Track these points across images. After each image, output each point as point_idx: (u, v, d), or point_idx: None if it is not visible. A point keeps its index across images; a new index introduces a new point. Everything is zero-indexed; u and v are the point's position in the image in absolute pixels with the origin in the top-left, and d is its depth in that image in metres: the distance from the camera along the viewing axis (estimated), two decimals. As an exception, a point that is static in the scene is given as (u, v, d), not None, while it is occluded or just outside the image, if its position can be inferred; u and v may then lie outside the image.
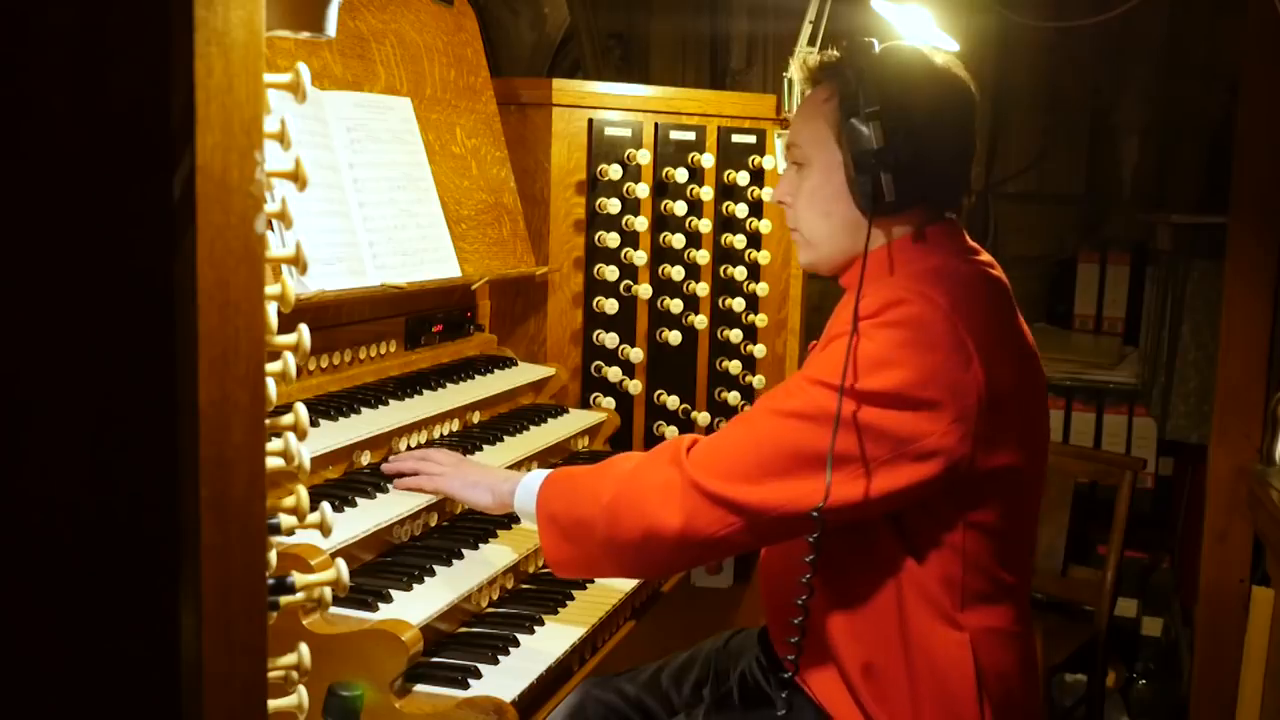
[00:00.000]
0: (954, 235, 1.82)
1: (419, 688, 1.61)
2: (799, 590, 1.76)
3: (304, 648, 0.98)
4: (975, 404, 1.62)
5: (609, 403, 2.68)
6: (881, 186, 1.71)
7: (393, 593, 1.70)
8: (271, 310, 0.92)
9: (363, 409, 2.00)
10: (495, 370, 2.45)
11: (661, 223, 2.74)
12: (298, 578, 1.01)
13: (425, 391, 2.18)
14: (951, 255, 1.77)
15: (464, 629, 1.81)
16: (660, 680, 2.13)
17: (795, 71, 1.88)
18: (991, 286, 1.78)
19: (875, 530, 1.70)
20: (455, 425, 2.23)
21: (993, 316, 1.72)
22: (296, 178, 0.95)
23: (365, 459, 1.97)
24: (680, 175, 2.72)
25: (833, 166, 1.78)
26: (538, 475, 1.86)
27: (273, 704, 0.96)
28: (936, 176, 1.78)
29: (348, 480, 1.90)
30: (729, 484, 1.65)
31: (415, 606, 1.67)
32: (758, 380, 2.87)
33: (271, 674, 0.96)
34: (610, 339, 2.67)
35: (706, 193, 2.77)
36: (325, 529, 1.06)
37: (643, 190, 2.68)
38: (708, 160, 2.77)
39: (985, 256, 1.84)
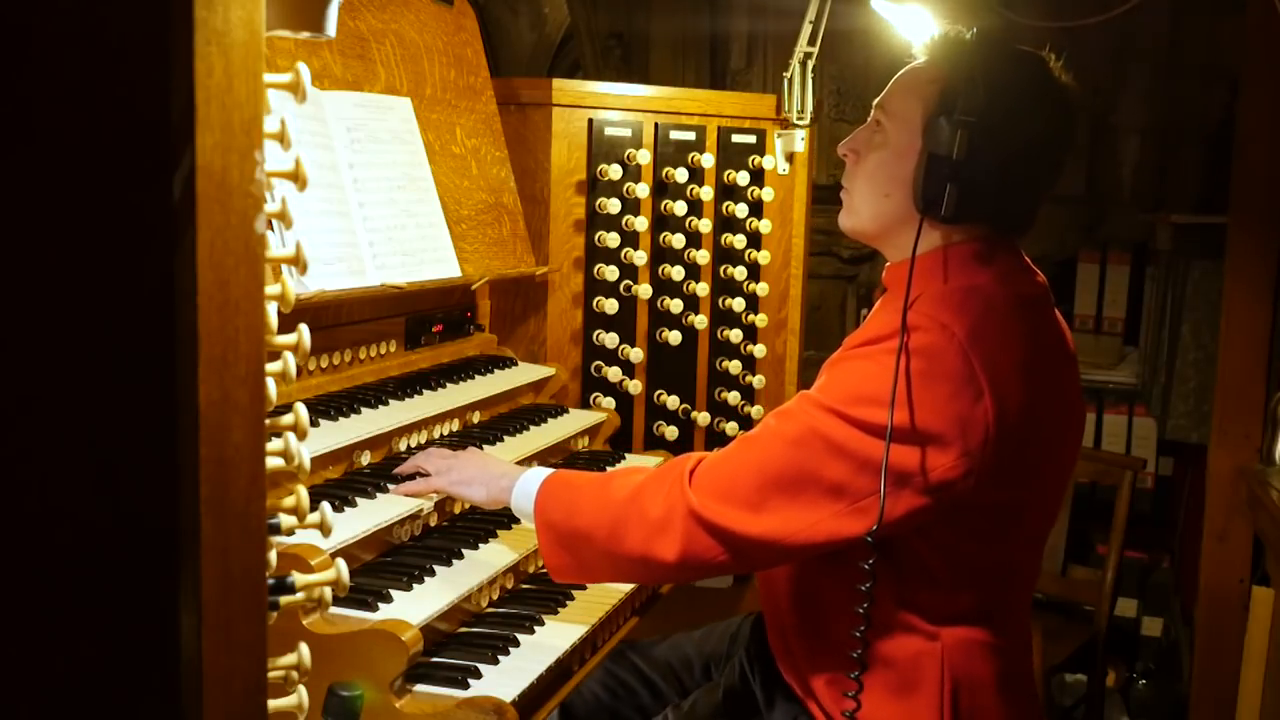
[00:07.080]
0: (1010, 252, 1.73)
1: (419, 688, 1.61)
2: (797, 597, 1.77)
3: (304, 648, 0.98)
4: (981, 439, 1.57)
5: (609, 403, 2.68)
6: (943, 198, 1.63)
7: (393, 593, 1.70)
8: (271, 310, 0.92)
9: (363, 409, 2.00)
10: (495, 370, 2.45)
11: (661, 223, 2.74)
12: (298, 578, 1.01)
13: (425, 391, 2.18)
14: (994, 278, 1.68)
15: (464, 629, 1.81)
16: (680, 653, 2.14)
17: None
18: (1026, 315, 1.69)
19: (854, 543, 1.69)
20: (455, 425, 2.23)
21: (1016, 348, 1.63)
22: (296, 178, 0.95)
23: (365, 459, 1.97)
24: (680, 175, 2.72)
25: (908, 152, 1.69)
26: (535, 477, 1.83)
27: (273, 704, 0.96)
28: (1009, 203, 1.69)
29: (348, 480, 1.90)
30: (728, 512, 1.62)
31: (415, 606, 1.67)
32: (758, 380, 2.87)
33: (271, 674, 0.96)
34: (610, 339, 2.67)
35: (706, 193, 2.77)
36: (325, 529, 1.06)
37: (643, 190, 2.68)
38: (708, 160, 2.77)
39: (1038, 278, 1.76)
